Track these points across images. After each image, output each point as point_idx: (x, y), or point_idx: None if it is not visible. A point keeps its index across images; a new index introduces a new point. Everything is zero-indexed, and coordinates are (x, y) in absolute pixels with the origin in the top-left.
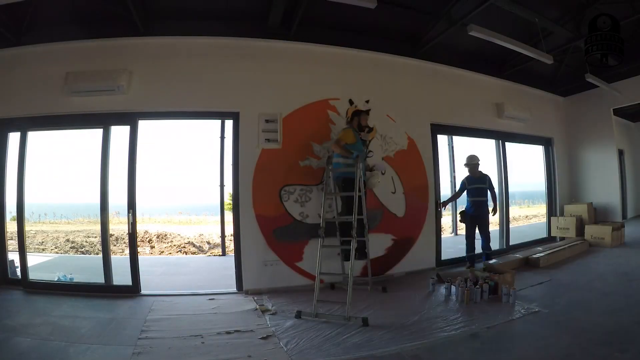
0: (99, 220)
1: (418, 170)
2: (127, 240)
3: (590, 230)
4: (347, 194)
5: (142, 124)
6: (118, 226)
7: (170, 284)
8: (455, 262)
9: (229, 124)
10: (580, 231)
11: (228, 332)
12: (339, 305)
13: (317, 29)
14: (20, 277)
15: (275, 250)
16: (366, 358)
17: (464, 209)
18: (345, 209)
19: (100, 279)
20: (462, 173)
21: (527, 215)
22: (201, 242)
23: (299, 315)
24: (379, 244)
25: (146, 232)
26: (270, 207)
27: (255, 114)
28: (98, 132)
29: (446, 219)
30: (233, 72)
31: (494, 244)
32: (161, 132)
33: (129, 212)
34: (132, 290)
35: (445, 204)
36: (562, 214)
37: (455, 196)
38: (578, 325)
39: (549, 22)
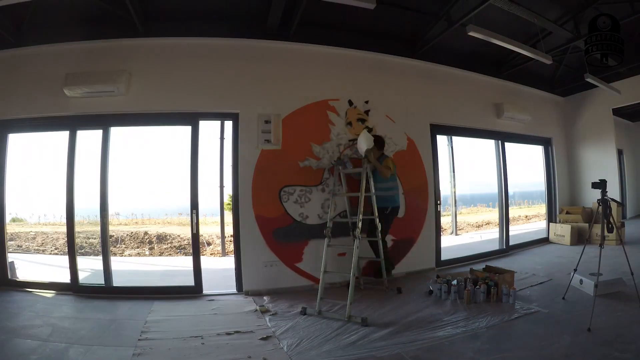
0: (98, 221)
1: (417, 171)
2: (191, 242)
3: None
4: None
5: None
6: (117, 227)
7: (169, 284)
8: (455, 262)
9: (228, 124)
10: (576, 239)
11: (228, 333)
12: (340, 305)
13: (316, 29)
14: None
15: (274, 251)
16: (366, 358)
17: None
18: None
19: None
20: (462, 173)
21: (527, 215)
22: (201, 243)
23: (304, 311)
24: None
25: (146, 233)
26: (269, 207)
27: (254, 115)
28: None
29: (446, 219)
30: (232, 73)
31: (494, 245)
32: (160, 133)
33: (192, 213)
34: (195, 290)
35: None
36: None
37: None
38: (578, 325)
39: (548, 23)
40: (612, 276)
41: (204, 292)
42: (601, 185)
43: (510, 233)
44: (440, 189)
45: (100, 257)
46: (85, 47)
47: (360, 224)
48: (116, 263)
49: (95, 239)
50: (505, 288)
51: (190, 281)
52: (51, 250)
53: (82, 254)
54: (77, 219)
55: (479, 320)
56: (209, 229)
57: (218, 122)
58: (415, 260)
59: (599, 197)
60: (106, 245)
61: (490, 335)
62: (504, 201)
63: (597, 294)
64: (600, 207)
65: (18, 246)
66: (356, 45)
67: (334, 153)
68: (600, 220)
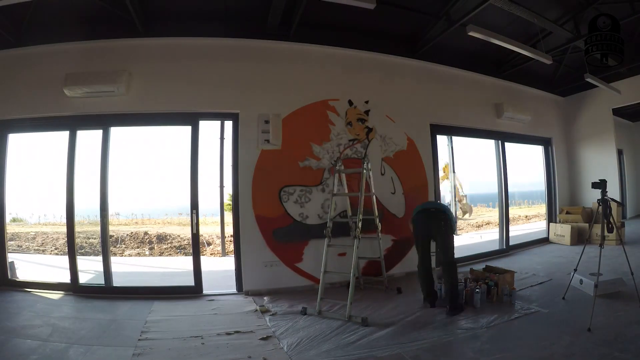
0: (98, 221)
1: (417, 171)
2: (191, 242)
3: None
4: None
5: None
6: (118, 227)
7: (169, 284)
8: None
9: (228, 125)
10: (576, 239)
11: (228, 333)
12: (340, 305)
13: (316, 29)
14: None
15: (275, 251)
16: (366, 358)
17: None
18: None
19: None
20: (462, 174)
21: (527, 215)
22: (201, 243)
23: (304, 311)
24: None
25: (146, 233)
26: (269, 208)
27: (254, 115)
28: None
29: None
30: (232, 73)
31: (494, 245)
32: (160, 133)
33: (192, 213)
34: (195, 290)
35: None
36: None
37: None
38: (578, 325)
39: (548, 23)
40: (612, 276)
41: (204, 292)
42: (601, 185)
43: (511, 233)
44: (440, 189)
45: (100, 257)
46: (85, 47)
47: (360, 224)
48: (116, 265)
49: (95, 239)
50: (505, 288)
51: (190, 281)
52: (51, 251)
53: (82, 254)
54: (77, 219)
55: (479, 320)
56: (209, 229)
57: (218, 122)
58: (415, 260)
59: (599, 197)
60: (106, 245)
61: (490, 335)
62: (504, 201)
63: (597, 294)
64: (600, 207)
65: (18, 246)
66: (356, 45)
67: (334, 153)
68: (600, 220)
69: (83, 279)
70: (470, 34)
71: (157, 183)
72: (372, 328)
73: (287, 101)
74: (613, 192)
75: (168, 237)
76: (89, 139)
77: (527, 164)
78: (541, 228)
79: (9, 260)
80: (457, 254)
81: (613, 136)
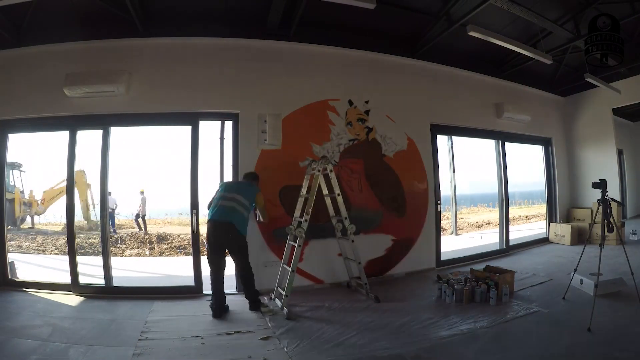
0: (99, 221)
1: (418, 171)
2: (191, 241)
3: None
4: None
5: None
6: (118, 227)
7: (170, 284)
8: (455, 262)
9: (228, 125)
10: (576, 239)
11: (228, 333)
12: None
13: (316, 29)
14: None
15: (275, 251)
16: (366, 358)
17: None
18: None
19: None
20: (462, 173)
21: (527, 215)
22: (201, 242)
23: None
24: (378, 244)
25: (146, 233)
26: (269, 207)
27: (254, 115)
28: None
29: (446, 220)
30: (232, 73)
31: (494, 245)
32: (160, 133)
33: (192, 213)
34: (195, 290)
35: None
36: (563, 218)
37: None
38: (578, 325)
39: (548, 22)
40: (612, 276)
41: (204, 292)
42: (601, 185)
43: (511, 233)
44: (440, 188)
45: (100, 258)
46: (85, 47)
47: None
48: (116, 270)
49: (95, 239)
50: (505, 288)
51: (190, 281)
52: (51, 251)
53: (82, 254)
54: (77, 219)
55: (480, 320)
56: None
57: (218, 122)
58: (415, 260)
59: (599, 197)
60: (106, 245)
61: (491, 335)
62: (504, 201)
63: (597, 294)
64: (601, 207)
65: (18, 246)
66: (356, 45)
67: (334, 153)
68: (600, 220)
69: (83, 279)
70: (470, 34)
71: (158, 183)
72: (372, 328)
73: (287, 101)
74: (613, 192)
75: (168, 237)
76: (89, 138)
77: (528, 163)
78: (541, 228)
79: (9, 260)
80: (458, 254)
81: (613, 136)
